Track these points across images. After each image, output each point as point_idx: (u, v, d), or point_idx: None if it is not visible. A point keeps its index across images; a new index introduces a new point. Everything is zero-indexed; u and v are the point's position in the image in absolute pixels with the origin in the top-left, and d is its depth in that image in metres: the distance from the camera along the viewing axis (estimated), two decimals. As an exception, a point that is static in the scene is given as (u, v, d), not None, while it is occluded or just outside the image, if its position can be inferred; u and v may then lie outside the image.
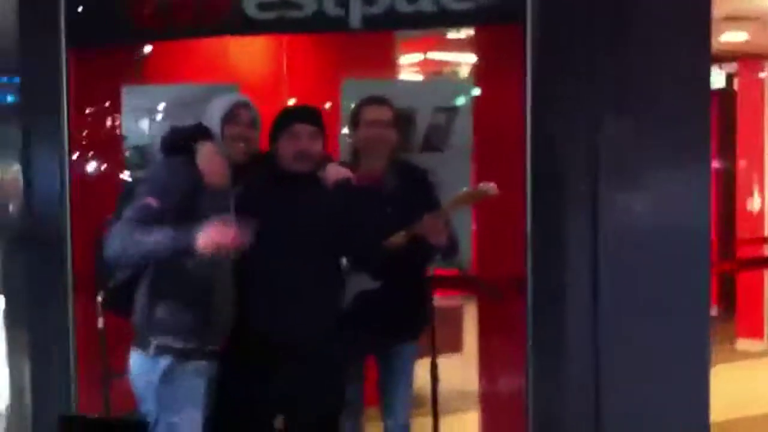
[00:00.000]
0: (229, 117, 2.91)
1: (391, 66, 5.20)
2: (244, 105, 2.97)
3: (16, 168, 4.28)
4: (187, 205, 2.75)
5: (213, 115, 2.92)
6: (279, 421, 3.05)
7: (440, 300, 4.92)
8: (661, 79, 3.43)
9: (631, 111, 3.41)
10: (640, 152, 3.39)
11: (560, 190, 3.41)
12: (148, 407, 2.84)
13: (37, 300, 4.11)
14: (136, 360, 2.87)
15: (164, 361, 2.79)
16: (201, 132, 2.90)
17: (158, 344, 2.79)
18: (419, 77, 6.70)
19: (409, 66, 6.96)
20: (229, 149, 2.90)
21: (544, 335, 3.46)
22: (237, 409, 2.95)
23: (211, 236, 2.57)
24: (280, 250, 2.92)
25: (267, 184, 3.02)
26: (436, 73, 6.88)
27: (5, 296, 4.82)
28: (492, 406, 4.07)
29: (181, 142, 2.88)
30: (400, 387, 3.50)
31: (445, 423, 3.80)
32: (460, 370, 4.45)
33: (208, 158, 2.83)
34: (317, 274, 3.03)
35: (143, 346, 2.83)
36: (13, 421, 4.60)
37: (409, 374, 3.52)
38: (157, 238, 2.61)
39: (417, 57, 6.92)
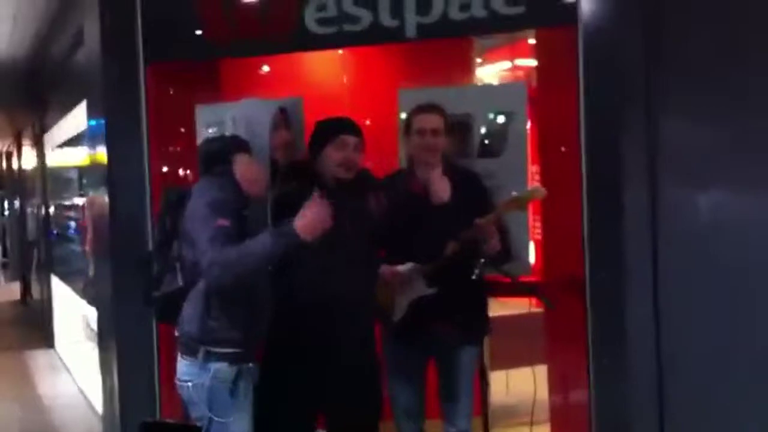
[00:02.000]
0: (277, 125, 3.01)
1: (468, 74, 5.19)
2: (284, 109, 3.11)
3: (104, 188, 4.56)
4: (237, 218, 2.83)
5: (261, 131, 3.01)
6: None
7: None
8: (724, 74, 3.29)
9: (690, 109, 3.29)
10: (699, 150, 3.26)
11: (617, 191, 3.32)
12: (200, 411, 2.91)
13: (124, 311, 4.33)
14: (184, 367, 2.94)
15: (214, 366, 2.87)
16: (236, 145, 2.98)
17: (207, 350, 2.87)
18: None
19: (496, 73, 6.93)
20: (276, 156, 2.99)
21: (604, 340, 3.38)
22: (279, 412, 3.01)
23: (309, 219, 2.73)
24: (322, 256, 2.98)
25: (308, 193, 3.07)
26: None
27: (96, 308, 5.12)
28: (560, 414, 3.99)
29: (219, 156, 2.95)
30: (460, 394, 3.48)
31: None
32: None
33: (247, 169, 2.91)
34: (358, 279, 3.08)
35: (192, 353, 2.91)
36: (106, 424, 4.87)
37: (469, 381, 3.49)
38: (259, 247, 2.72)
39: (505, 65, 6.88)
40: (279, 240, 2.73)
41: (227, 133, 3.72)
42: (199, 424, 2.92)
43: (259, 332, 2.94)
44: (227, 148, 2.96)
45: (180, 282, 2.94)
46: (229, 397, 2.87)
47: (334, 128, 3.19)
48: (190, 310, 2.93)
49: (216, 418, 2.87)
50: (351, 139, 3.16)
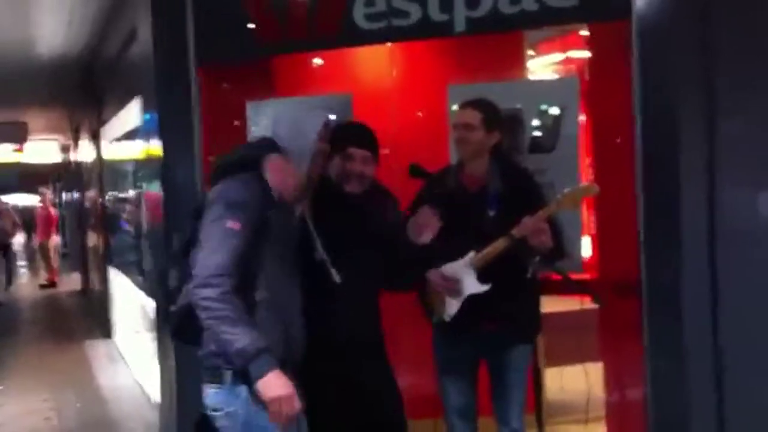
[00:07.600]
0: (321, 135, 2.85)
1: (520, 67, 5.12)
2: (330, 122, 2.92)
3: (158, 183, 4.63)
4: (260, 220, 2.68)
5: (307, 134, 2.83)
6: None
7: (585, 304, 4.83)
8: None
9: (750, 104, 3.20)
10: (759, 147, 3.18)
11: (674, 188, 3.25)
12: None
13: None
14: (212, 396, 2.71)
15: (244, 388, 2.63)
16: (267, 146, 2.83)
17: (234, 371, 2.62)
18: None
19: (549, 66, 6.82)
20: (313, 165, 2.85)
21: (661, 338, 3.32)
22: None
23: (274, 388, 2.56)
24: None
25: (324, 201, 3.02)
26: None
27: (156, 301, 5.20)
28: (616, 412, 3.93)
29: (248, 160, 2.79)
30: (512, 392, 3.43)
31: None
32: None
33: (277, 168, 2.77)
34: (368, 289, 3.10)
35: (217, 378, 2.69)
36: (163, 416, 4.96)
37: (521, 379, 3.46)
38: (238, 339, 2.53)
39: (557, 57, 6.76)
40: (248, 360, 2.53)
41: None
42: None
43: (293, 349, 2.78)
44: (257, 151, 2.82)
45: None
46: (269, 421, 2.61)
47: (341, 138, 3.06)
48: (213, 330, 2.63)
49: None
50: (357, 152, 3.07)
